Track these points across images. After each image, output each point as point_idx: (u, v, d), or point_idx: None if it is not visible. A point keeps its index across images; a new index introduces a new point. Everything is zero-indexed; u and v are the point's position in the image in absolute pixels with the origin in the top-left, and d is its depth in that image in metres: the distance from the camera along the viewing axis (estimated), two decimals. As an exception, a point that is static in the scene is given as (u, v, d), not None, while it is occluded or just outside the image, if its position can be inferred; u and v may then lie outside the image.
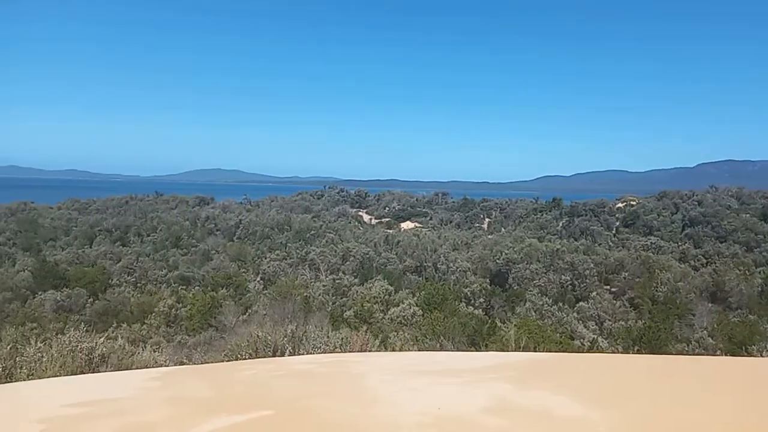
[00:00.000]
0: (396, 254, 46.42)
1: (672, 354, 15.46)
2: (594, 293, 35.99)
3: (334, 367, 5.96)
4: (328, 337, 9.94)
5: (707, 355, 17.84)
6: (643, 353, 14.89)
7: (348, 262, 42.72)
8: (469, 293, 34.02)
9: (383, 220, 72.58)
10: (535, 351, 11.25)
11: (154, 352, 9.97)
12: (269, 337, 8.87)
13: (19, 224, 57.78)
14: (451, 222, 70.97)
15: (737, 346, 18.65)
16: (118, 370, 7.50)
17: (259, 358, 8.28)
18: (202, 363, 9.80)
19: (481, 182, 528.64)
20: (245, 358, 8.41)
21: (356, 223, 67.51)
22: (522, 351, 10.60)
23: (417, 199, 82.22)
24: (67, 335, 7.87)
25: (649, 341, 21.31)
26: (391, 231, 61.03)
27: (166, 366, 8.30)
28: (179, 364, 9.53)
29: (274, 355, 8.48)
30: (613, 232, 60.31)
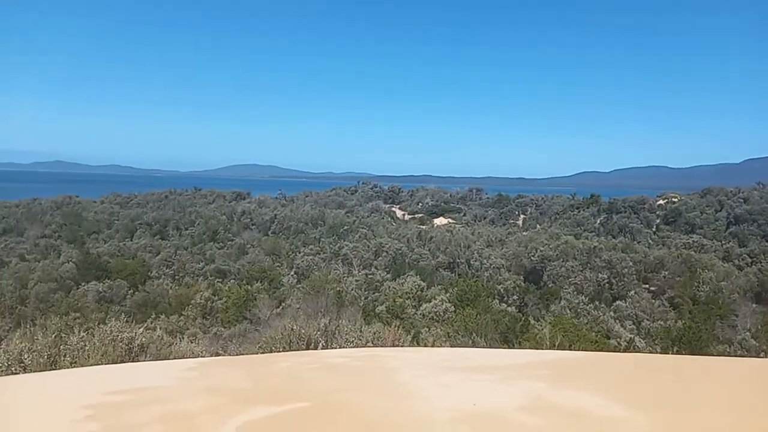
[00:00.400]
0: (429, 250, 46.27)
1: (713, 355, 14.99)
2: (632, 292, 35.15)
3: (367, 362, 5.99)
4: (360, 331, 10.01)
5: (750, 357, 17.25)
6: (683, 354, 14.46)
7: (381, 258, 42.81)
8: (502, 290, 33.68)
9: (416, 215, 72.41)
10: (570, 350, 11.07)
11: (191, 343, 10.21)
12: (303, 331, 8.98)
13: (64, 217, 59.90)
14: (485, 218, 70.32)
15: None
16: (157, 359, 7.69)
17: (292, 350, 8.38)
18: (237, 354, 9.99)
19: (517, 178, 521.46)
20: (279, 351, 8.53)
21: (389, 219, 67.54)
22: (557, 349, 10.44)
23: (451, 195, 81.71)
24: (109, 325, 8.12)
25: (689, 342, 20.70)
26: (424, 227, 60.86)
27: (202, 357, 8.49)
28: (215, 355, 9.74)
29: (307, 348, 8.58)
30: (654, 229, 58.75)
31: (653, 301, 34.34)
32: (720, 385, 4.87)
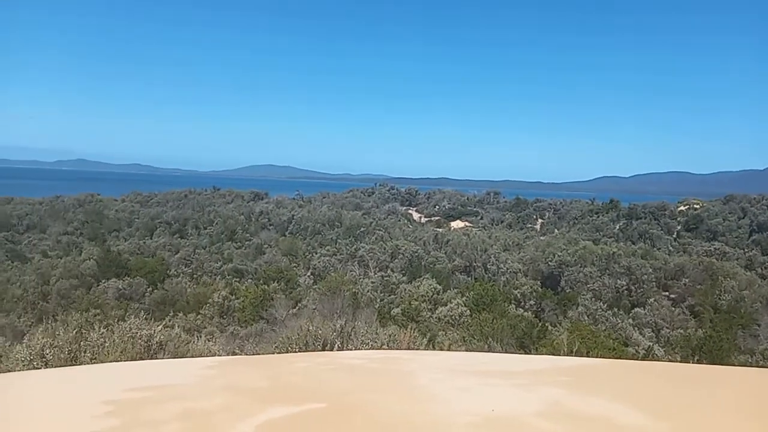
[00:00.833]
0: (445, 253, 46.13)
1: (735, 365, 14.71)
2: (651, 299, 34.68)
3: (384, 364, 5.98)
4: (376, 333, 10.01)
5: (774, 368, 16.89)
6: (703, 363, 14.22)
7: (397, 260, 42.78)
8: (519, 295, 33.43)
9: (433, 218, 72.25)
10: (588, 356, 10.95)
11: (208, 341, 10.30)
12: (319, 332, 9.01)
13: (86, 215, 60.93)
14: (502, 222, 69.90)
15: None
16: (175, 357, 7.76)
17: (309, 351, 8.41)
18: (253, 354, 10.04)
19: (535, 182, 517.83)
20: (296, 351, 8.56)
21: (406, 221, 67.49)
22: (574, 356, 10.33)
23: (468, 198, 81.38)
24: (128, 322, 8.23)
25: (709, 351, 20.35)
26: (440, 230, 60.71)
27: (219, 356, 8.55)
28: (232, 355, 9.81)
29: (323, 349, 8.60)
30: (674, 236, 57.91)
31: (673, 308, 33.83)
32: (742, 394, 4.78)
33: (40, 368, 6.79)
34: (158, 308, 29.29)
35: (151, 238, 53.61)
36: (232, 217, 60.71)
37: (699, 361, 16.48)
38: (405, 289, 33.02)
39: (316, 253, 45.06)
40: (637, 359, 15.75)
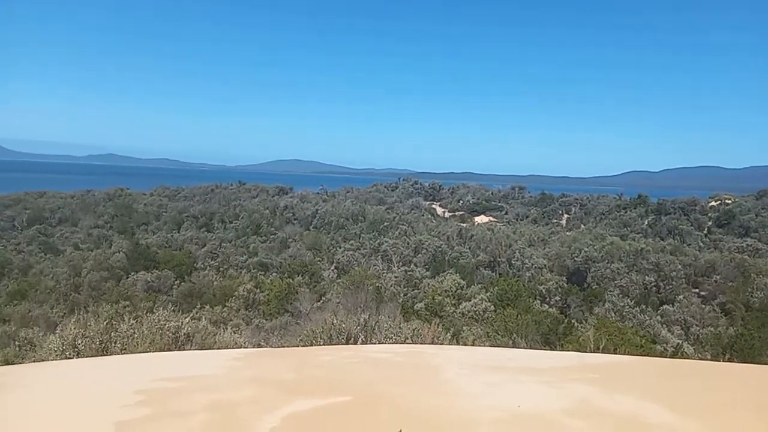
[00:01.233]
0: (469, 248, 45.87)
1: (767, 364, 14.32)
2: (681, 296, 33.96)
3: (410, 358, 5.98)
4: (399, 328, 9.99)
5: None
6: (734, 362, 13.88)
7: (420, 255, 42.71)
8: (544, 291, 33.08)
9: (457, 213, 71.89)
10: (615, 353, 10.77)
11: (234, 333, 10.42)
12: (343, 325, 9.04)
13: (116, 209, 62.23)
14: (527, 217, 69.20)
15: None
16: (202, 349, 7.87)
17: (333, 344, 8.44)
18: (279, 347, 10.14)
19: (561, 177, 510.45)
20: (320, 344, 8.61)
21: (429, 216, 67.30)
22: (601, 353, 10.18)
23: (492, 193, 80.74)
24: (156, 314, 8.38)
25: (741, 350, 19.84)
26: (464, 225, 60.36)
27: (245, 348, 8.65)
28: (257, 347, 9.91)
29: (347, 343, 8.63)
30: (705, 232, 56.60)
31: (703, 306, 33.08)
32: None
33: (72, 358, 6.95)
34: (185, 300, 29.76)
35: (178, 232, 54.48)
36: (257, 211, 61.33)
37: (730, 360, 16.08)
38: (428, 284, 32.94)
39: (340, 248, 45.25)
40: (665, 357, 15.45)
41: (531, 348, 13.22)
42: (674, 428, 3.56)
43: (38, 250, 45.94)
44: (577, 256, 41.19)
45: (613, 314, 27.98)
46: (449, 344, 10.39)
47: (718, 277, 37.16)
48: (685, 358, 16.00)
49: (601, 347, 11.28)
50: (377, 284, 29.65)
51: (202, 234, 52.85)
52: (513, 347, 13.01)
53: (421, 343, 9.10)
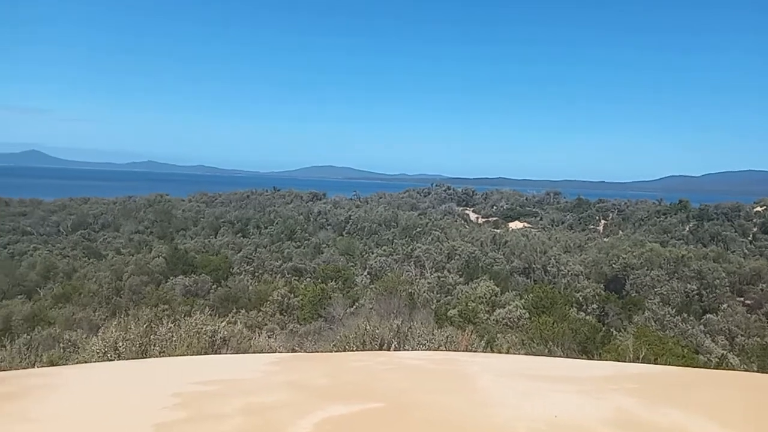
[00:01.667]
0: (503, 254, 45.35)
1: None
2: (725, 305, 32.81)
3: (444, 365, 5.93)
4: (433, 334, 9.93)
5: None
6: (784, 375, 13.29)
7: (453, 261, 42.43)
8: (581, 298, 32.42)
9: (490, 219, 71.19)
10: (655, 363, 10.46)
11: (269, 338, 10.54)
12: (377, 331, 9.04)
13: (155, 214, 63.90)
14: (563, 223, 68.04)
15: None
16: (237, 352, 7.98)
17: (366, 350, 8.44)
18: (312, 351, 10.20)
19: (598, 182, 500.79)
20: (353, 350, 8.62)
21: (462, 222, 66.85)
22: (641, 363, 9.90)
23: (527, 199, 79.70)
24: (194, 318, 8.55)
25: (791, 362, 19.03)
26: (498, 230, 59.73)
27: (279, 352, 8.73)
28: (291, 351, 9.99)
29: (380, 349, 8.61)
30: (750, 238, 54.60)
31: (749, 315, 31.88)
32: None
33: (114, 360, 7.15)
34: (222, 305, 30.22)
35: (215, 237, 55.56)
36: (291, 217, 62.04)
37: (779, 372, 15.43)
38: (462, 291, 32.68)
39: (373, 253, 45.33)
40: (709, 368, 14.93)
41: (568, 357, 12.95)
42: (720, 442, 3.43)
43: (82, 255, 47.46)
44: (615, 263, 40.25)
45: (653, 323, 27.21)
46: (483, 352, 10.27)
47: (764, 285, 35.80)
48: (730, 369, 15.42)
49: (640, 357, 10.97)
50: (410, 290, 29.55)
51: (238, 239, 53.75)
52: (549, 356, 12.77)
53: (455, 350, 9.03)
